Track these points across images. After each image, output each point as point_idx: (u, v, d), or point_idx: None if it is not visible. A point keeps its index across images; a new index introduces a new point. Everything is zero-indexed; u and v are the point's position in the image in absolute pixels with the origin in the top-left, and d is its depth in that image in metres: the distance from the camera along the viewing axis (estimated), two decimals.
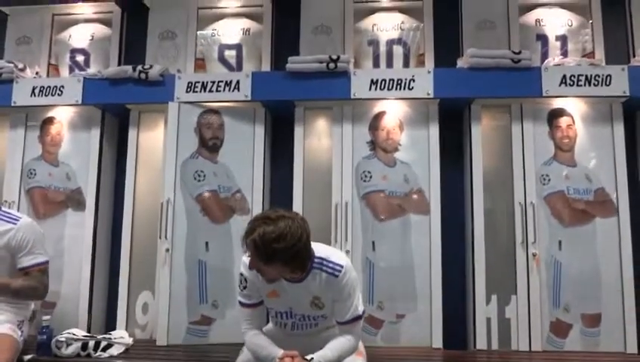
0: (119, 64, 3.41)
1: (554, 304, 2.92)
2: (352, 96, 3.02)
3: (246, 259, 2.12)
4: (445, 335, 2.95)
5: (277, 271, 2.02)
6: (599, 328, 2.89)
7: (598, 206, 2.95)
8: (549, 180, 2.99)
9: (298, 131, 3.14)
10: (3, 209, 2.64)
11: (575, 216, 2.95)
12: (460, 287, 3.11)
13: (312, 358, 2.03)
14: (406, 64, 3.28)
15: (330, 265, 2.09)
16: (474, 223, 2.98)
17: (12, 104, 3.21)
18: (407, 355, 2.82)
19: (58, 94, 3.18)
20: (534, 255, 2.91)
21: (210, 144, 3.14)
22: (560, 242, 2.94)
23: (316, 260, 2.09)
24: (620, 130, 2.98)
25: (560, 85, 2.92)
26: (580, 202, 2.95)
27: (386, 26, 3.33)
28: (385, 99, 3.07)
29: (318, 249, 2.13)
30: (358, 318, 2.13)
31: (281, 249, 1.92)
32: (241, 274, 2.17)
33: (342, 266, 2.09)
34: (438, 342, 2.93)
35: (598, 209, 2.95)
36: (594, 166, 2.99)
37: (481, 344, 2.91)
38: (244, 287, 2.17)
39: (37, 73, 3.40)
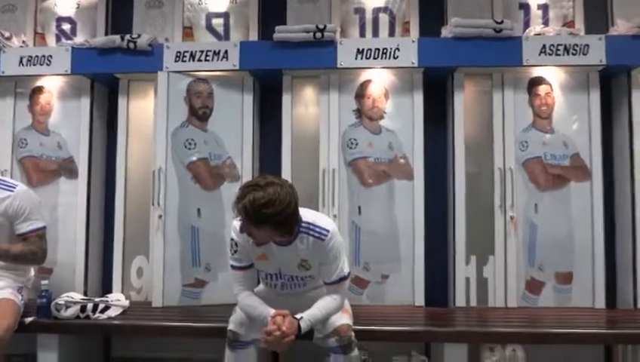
0: (106, 33, 3.41)
1: (529, 263, 3.09)
2: (339, 65, 3.08)
3: (237, 223, 2.24)
4: (427, 294, 3.09)
5: (267, 234, 2.15)
6: (571, 285, 3.08)
7: (573, 171, 3.10)
8: (528, 146, 3.12)
9: (286, 99, 3.21)
10: None
11: (551, 180, 3.10)
12: (441, 249, 3.25)
13: (302, 317, 2.20)
14: (392, 32, 3.33)
15: (317, 229, 2.23)
16: (455, 188, 3.11)
17: (0, 74, 3.22)
18: (391, 313, 2.96)
19: (47, 64, 3.19)
20: (512, 218, 3.06)
21: (199, 113, 3.20)
22: (536, 205, 3.10)
23: (303, 224, 2.23)
24: (596, 97, 3.10)
25: (540, 54, 3.00)
26: (556, 167, 3.10)
27: None
28: (370, 68, 3.14)
29: (306, 214, 2.26)
30: (343, 279, 2.29)
31: (270, 214, 2.05)
32: (232, 239, 2.30)
33: (328, 231, 2.23)
34: (420, 300, 3.09)
35: (573, 173, 3.10)
36: (571, 132, 3.12)
37: (460, 301, 3.07)
38: (235, 251, 2.29)
39: (23, 42, 3.39)
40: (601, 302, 3.05)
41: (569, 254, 3.08)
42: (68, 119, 3.30)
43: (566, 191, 3.10)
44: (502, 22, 3.05)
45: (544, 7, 3.29)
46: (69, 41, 3.35)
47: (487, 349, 2.75)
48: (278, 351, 2.40)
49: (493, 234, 3.08)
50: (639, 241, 3.01)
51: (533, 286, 3.10)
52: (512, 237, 3.07)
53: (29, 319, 2.70)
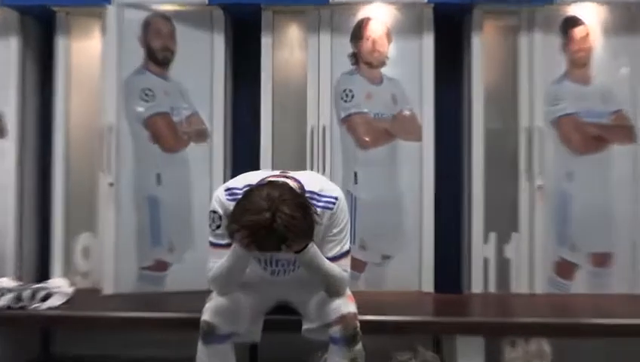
0: None
1: (559, 242, 3.06)
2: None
3: (221, 194, 2.24)
4: (437, 279, 3.07)
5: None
6: (610, 268, 3.05)
7: (614, 131, 3.07)
8: (560, 101, 3.08)
9: (266, 41, 3.11)
10: None
11: (588, 142, 3.07)
12: (454, 224, 3.24)
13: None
14: None
15: (324, 198, 2.22)
16: (472, 151, 3.06)
17: None
18: (394, 301, 2.91)
19: None
20: (540, 187, 3.03)
21: (159, 57, 3.10)
22: (570, 173, 3.07)
23: (307, 195, 2.16)
24: None
25: None
26: (594, 126, 3.07)
27: None
28: (370, 2, 3.07)
29: (309, 182, 2.22)
30: (346, 253, 2.29)
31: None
32: (214, 212, 2.24)
33: (336, 198, 2.24)
34: (428, 286, 3.05)
35: (614, 134, 3.07)
36: (613, 85, 3.07)
37: (477, 287, 3.05)
38: (218, 226, 2.24)
39: None
40: None
41: (608, 232, 3.06)
42: None
43: (606, 155, 3.08)
44: None
45: None
46: None
47: (508, 343, 2.72)
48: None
49: (517, 206, 3.06)
50: None
51: (564, 269, 3.08)
52: (539, 210, 3.04)
53: None
